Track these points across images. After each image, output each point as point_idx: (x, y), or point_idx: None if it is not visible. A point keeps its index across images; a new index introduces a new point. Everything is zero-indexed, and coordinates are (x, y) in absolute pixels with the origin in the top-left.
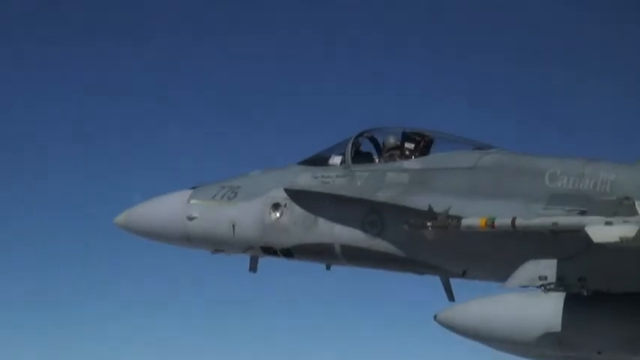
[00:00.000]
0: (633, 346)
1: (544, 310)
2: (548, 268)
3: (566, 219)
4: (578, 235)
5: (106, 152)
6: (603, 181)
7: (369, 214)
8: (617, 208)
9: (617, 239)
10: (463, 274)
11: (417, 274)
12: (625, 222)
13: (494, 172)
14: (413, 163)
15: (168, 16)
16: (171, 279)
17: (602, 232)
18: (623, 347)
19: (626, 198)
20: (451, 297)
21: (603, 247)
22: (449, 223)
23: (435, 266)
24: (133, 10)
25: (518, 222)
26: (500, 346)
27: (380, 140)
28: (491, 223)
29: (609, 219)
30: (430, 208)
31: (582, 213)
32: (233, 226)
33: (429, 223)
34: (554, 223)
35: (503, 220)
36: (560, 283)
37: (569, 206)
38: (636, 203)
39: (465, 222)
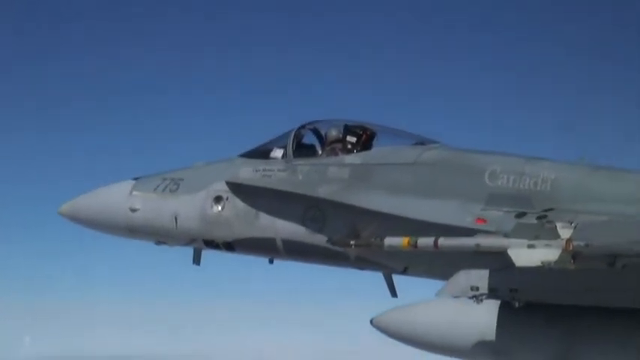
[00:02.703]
0: (568, 357)
1: (478, 318)
2: (479, 278)
3: (488, 241)
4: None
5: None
6: (544, 180)
7: (310, 209)
8: (540, 231)
9: (539, 263)
10: (404, 271)
11: (359, 269)
12: (547, 245)
13: (434, 168)
14: (354, 158)
15: None
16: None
17: (524, 255)
18: (558, 358)
19: (548, 221)
20: (394, 293)
21: None
22: (372, 242)
23: (377, 262)
24: None
25: (441, 242)
26: (436, 352)
27: (322, 133)
28: (414, 243)
29: (531, 242)
30: (354, 228)
31: (521, 215)
32: (175, 218)
33: (352, 242)
34: (477, 245)
35: (425, 241)
36: (492, 294)
37: (508, 207)
38: (558, 226)
39: (387, 241)
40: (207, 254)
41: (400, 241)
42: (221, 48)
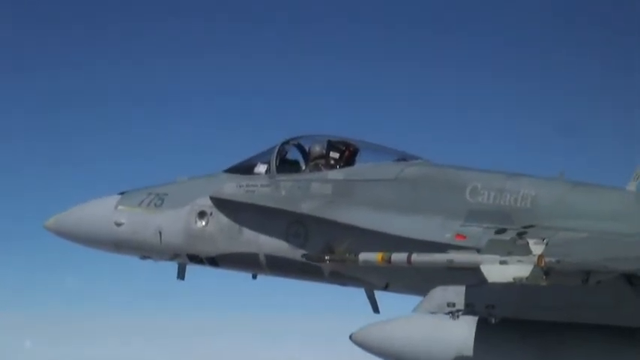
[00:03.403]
0: None
1: (455, 334)
2: (456, 294)
3: (461, 256)
4: None
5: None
6: (524, 197)
7: (293, 225)
8: (512, 247)
9: (511, 279)
10: (386, 287)
11: (341, 285)
12: (519, 261)
13: (415, 184)
14: (336, 174)
15: None
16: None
17: (497, 271)
18: None
19: (521, 238)
20: (376, 309)
21: None
22: (346, 257)
23: (358, 278)
24: None
25: (414, 258)
26: None
27: (306, 148)
28: (387, 259)
29: (504, 258)
30: (328, 244)
31: (500, 231)
32: (160, 233)
33: (326, 257)
34: (450, 261)
35: (399, 256)
36: (469, 310)
37: (488, 223)
38: (530, 242)
39: (362, 257)
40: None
41: (375, 256)
42: (206, 59)
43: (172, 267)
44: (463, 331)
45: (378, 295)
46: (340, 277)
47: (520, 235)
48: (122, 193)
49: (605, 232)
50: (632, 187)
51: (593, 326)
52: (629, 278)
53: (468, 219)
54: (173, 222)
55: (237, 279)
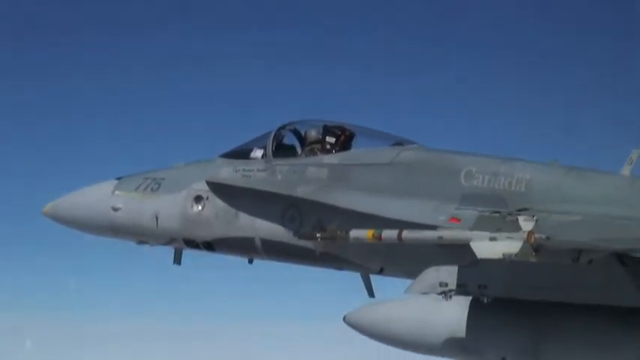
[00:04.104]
0: (536, 353)
1: (449, 315)
2: (448, 274)
3: (451, 233)
4: None
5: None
6: (518, 181)
7: (289, 209)
8: (502, 223)
9: (500, 255)
10: (381, 271)
11: (337, 269)
12: (509, 238)
13: (411, 168)
14: (332, 158)
15: None
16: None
17: (487, 247)
18: (527, 353)
19: (510, 214)
20: (371, 293)
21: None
22: (337, 234)
23: (354, 262)
24: None
25: (405, 235)
26: (408, 349)
27: (302, 133)
28: (378, 235)
29: (493, 234)
30: (320, 221)
31: (495, 213)
32: (156, 217)
33: (318, 234)
34: (440, 237)
35: (389, 233)
36: (461, 290)
37: (483, 206)
38: (520, 219)
39: (352, 233)
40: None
41: (365, 233)
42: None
43: (173, 269)
44: (456, 312)
45: (374, 279)
46: (336, 260)
47: (511, 214)
48: (119, 179)
49: (599, 216)
50: (626, 171)
51: (586, 306)
52: (621, 258)
53: (462, 202)
54: (170, 207)
55: (238, 280)
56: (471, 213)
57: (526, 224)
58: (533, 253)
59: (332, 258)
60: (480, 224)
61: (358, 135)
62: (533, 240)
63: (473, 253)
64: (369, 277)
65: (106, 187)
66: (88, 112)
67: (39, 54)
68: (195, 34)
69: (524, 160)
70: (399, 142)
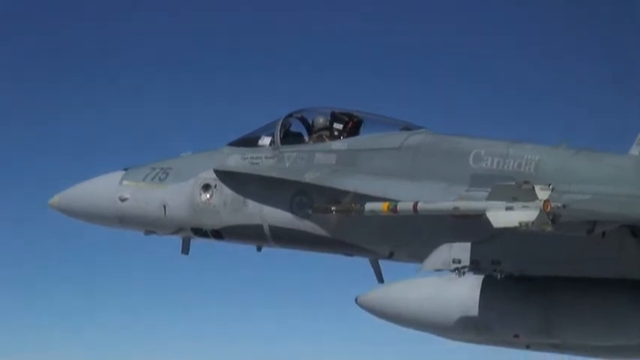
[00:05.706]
0: (548, 329)
1: (461, 294)
2: (461, 251)
3: (467, 204)
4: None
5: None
6: (527, 162)
7: (297, 195)
8: (518, 192)
9: (516, 224)
10: (391, 256)
11: (346, 255)
12: (525, 207)
13: (419, 152)
14: (340, 144)
15: None
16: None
17: (503, 217)
18: (539, 330)
19: (526, 182)
20: (380, 278)
21: (513, 231)
22: (352, 207)
23: (363, 248)
24: None
25: (420, 206)
26: (420, 329)
27: (309, 121)
28: (393, 207)
29: (510, 204)
30: (335, 193)
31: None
32: (164, 207)
33: (332, 207)
34: (455, 208)
35: (405, 204)
36: (474, 266)
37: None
38: (536, 188)
39: (368, 206)
40: None
41: (380, 205)
42: (209, 36)
43: (175, 271)
44: (467, 290)
45: (383, 264)
46: (345, 246)
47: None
48: (126, 169)
49: (609, 195)
50: (635, 151)
51: (598, 281)
52: (633, 230)
53: (472, 184)
54: (177, 196)
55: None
56: (480, 194)
57: (542, 193)
58: (549, 222)
59: (341, 244)
60: (495, 194)
61: (366, 121)
62: (549, 208)
63: (486, 229)
64: (378, 263)
65: (114, 177)
66: (95, 105)
67: (42, 49)
68: (203, 26)
69: (532, 142)
70: (407, 127)
